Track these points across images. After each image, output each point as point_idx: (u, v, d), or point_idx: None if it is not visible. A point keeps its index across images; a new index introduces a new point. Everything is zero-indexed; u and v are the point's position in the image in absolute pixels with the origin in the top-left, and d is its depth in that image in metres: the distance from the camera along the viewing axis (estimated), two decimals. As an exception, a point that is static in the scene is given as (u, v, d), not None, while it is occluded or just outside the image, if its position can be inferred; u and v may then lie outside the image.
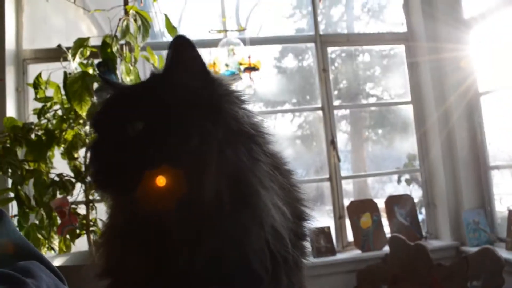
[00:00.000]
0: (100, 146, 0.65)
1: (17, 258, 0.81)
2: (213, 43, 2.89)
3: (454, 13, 3.14)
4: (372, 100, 5.98)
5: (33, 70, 2.71)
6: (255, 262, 0.59)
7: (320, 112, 3.16)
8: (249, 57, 2.68)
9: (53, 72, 2.15)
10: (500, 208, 3.01)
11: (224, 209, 0.58)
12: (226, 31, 2.86)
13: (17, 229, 0.90)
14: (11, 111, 2.57)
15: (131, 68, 2.01)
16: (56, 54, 2.36)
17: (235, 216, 0.59)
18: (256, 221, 0.59)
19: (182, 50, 0.66)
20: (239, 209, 0.59)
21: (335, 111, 3.21)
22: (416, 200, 3.18)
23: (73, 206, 2.00)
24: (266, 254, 0.59)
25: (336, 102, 3.28)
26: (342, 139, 6.16)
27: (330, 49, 3.26)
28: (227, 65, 2.65)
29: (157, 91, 0.65)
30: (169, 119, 0.62)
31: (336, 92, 4.21)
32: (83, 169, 2.00)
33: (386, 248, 2.85)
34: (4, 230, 0.84)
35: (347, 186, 5.14)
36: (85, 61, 2.02)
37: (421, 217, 3.18)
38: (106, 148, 0.64)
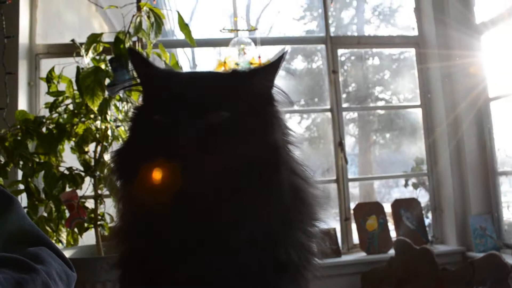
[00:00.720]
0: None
1: (27, 244, 0.83)
2: (224, 42, 2.90)
3: (466, 19, 3.13)
4: (380, 104, 5.97)
5: (45, 65, 2.74)
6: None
7: (328, 114, 3.16)
8: (259, 57, 2.69)
9: (65, 67, 2.17)
10: (508, 214, 3.00)
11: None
12: (237, 30, 2.87)
13: (27, 216, 0.91)
14: (23, 104, 2.60)
15: (143, 64, 2.02)
16: (68, 50, 2.39)
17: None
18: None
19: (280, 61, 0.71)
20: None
21: (344, 113, 3.21)
22: (423, 204, 3.17)
23: (81, 200, 2.02)
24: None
25: (345, 105, 3.28)
26: (349, 142, 6.16)
27: (340, 52, 3.26)
28: (237, 64, 2.67)
29: (245, 87, 0.68)
30: (253, 114, 0.66)
31: (344, 95, 4.21)
32: (92, 163, 2.02)
33: (392, 251, 2.85)
34: (15, 216, 0.85)
35: (353, 190, 5.13)
36: (97, 57, 2.04)
37: (427, 221, 3.17)
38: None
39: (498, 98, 3.02)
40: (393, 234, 3.02)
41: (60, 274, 0.81)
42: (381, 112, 6.03)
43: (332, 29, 3.22)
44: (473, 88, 3.05)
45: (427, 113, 3.25)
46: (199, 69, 5.78)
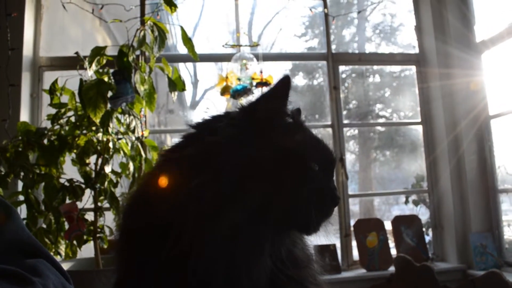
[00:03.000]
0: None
1: (24, 256, 0.82)
2: (226, 57, 2.93)
3: (466, 37, 3.17)
4: (381, 121, 5.99)
5: (48, 77, 2.76)
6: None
7: (329, 130, 3.17)
8: (261, 72, 2.71)
9: (68, 80, 2.18)
10: (508, 232, 2.98)
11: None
12: (239, 46, 2.89)
13: (26, 227, 0.91)
14: (25, 116, 2.61)
15: (146, 78, 2.04)
16: (71, 62, 2.41)
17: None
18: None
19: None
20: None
21: (344, 130, 3.21)
22: (423, 221, 3.16)
23: (81, 212, 2.01)
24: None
25: (346, 122, 3.29)
26: (350, 159, 6.17)
27: (341, 69, 3.29)
28: (239, 79, 2.68)
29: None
30: None
31: (345, 112, 4.23)
32: (93, 175, 2.01)
33: (392, 268, 2.83)
34: (13, 227, 0.85)
35: (354, 207, 5.12)
36: (100, 70, 2.06)
37: (428, 238, 3.16)
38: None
39: (499, 116, 3.03)
40: (393, 251, 3.00)
41: (58, 286, 0.81)
42: (382, 129, 6.05)
43: (333, 47, 3.25)
44: (473, 106, 3.07)
45: (428, 130, 3.26)
46: (201, 83, 5.80)
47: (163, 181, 0.65)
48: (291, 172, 0.67)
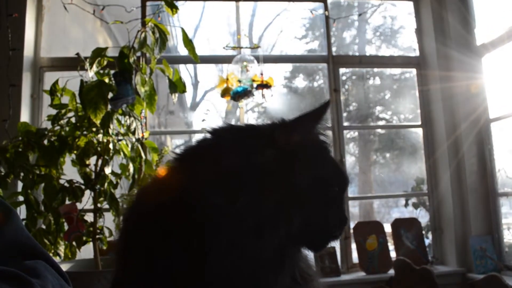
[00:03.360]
0: None
1: (23, 257, 0.82)
2: (227, 59, 2.93)
3: (466, 41, 3.17)
4: (381, 123, 5.99)
5: (49, 78, 2.76)
6: None
7: (329, 132, 3.17)
8: (261, 74, 2.71)
9: (69, 81, 2.18)
10: (508, 236, 2.98)
11: None
12: (240, 48, 2.90)
13: (25, 227, 0.91)
14: (25, 116, 2.61)
15: (147, 79, 2.04)
16: (72, 63, 2.41)
17: None
18: None
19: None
20: None
21: (344, 133, 3.21)
22: (423, 224, 3.16)
23: (81, 213, 2.01)
24: None
25: (346, 124, 3.29)
26: (349, 161, 6.16)
27: (341, 71, 3.29)
28: (240, 81, 2.68)
29: None
30: None
31: (345, 114, 4.23)
32: (93, 176, 2.01)
33: (391, 271, 2.82)
34: (12, 228, 0.84)
35: (353, 209, 5.12)
36: (101, 71, 2.06)
37: (427, 241, 3.15)
38: None
39: (499, 119, 3.03)
40: (393, 254, 3.00)
41: (56, 288, 0.80)
42: (382, 131, 6.05)
43: (333, 49, 3.25)
44: (473, 109, 3.07)
45: (428, 133, 3.26)
46: (201, 85, 5.80)
47: (184, 191, 0.63)
48: (322, 197, 0.69)
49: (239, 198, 0.60)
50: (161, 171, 0.75)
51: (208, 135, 0.71)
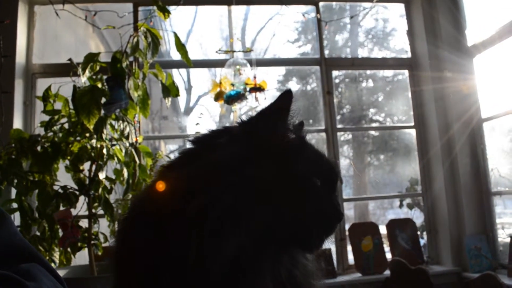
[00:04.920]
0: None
1: (18, 261, 0.81)
2: (220, 63, 2.93)
3: (458, 41, 3.19)
4: (374, 125, 6.01)
5: (42, 84, 2.75)
6: None
7: (323, 134, 3.18)
8: (255, 77, 2.72)
9: (61, 87, 2.18)
10: (503, 234, 3.00)
11: None
12: (233, 51, 2.90)
13: (19, 231, 0.90)
14: (18, 123, 2.60)
15: (140, 84, 2.04)
16: (64, 69, 2.40)
17: None
18: None
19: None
20: None
21: (338, 135, 3.22)
22: (418, 224, 3.17)
23: (75, 219, 2.00)
24: None
25: (339, 126, 3.29)
26: (344, 164, 6.19)
27: (334, 74, 3.30)
28: (233, 85, 2.69)
29: None
30: None
31: (339, 117, 4.24)
32: (87, 182, 2.01)
33: (387, 272, 2.83)
34: (5, 232, 0.84)
35: (348, 211, 5.13)
36: (94, 76, 2.05)
37: (422, 241, 3.16)
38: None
39: (491, 118, 3.05)
40: (388, 255, 3.00)
41: (52, 291, 0.80)
42: (375, 133, 6.08)
43: (326, 52, 3.26)
44: (466, 109, 3.09)
45: (421, 133, 3.28)
46: (195, 90, 5.81)
47: (159, 202, 0.63)
48: (294, 190, 0.65)
49: (199, 199, 0.59)
50: (152, 180, 0.74)
51: (190, 144, 0.71)
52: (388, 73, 5.99)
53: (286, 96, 0.68)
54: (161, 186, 0.66)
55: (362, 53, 7.05)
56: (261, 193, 0.61)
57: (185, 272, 0.57)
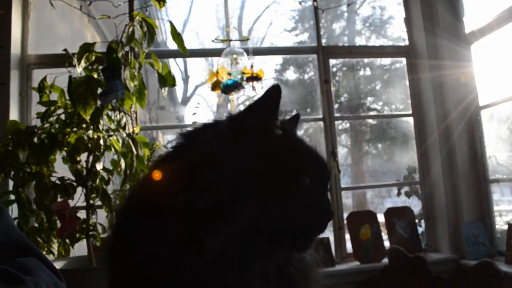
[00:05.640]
0: None
1: (15, 255, 0.81)
2: (216, 52, 2.92)
3: (455, 28, 3.18)
4: (372, 114, 6.01)
5: (37, 75, 2.73)
6: None
7: (321, 123, 3.17)
8: (251, 66, 2.70)
9: (57, 78, 2.16)
10: (500, 222, 3.01)
11: None
12: (229, 40, 2.88)
13: (16, 225, 0.90)
14: (14, 115, 2.59)
15: (136, 74, 2.02)
16: (60, 60, 2.38)
17: None
18: None
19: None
20: None
21: (336, 124, 3.21)
22: (416, 213, 3.18)
23: (73, 210, 2.00)
24: None
25: (337, 115, 3.29)
26: (342, 153, 6.19)
27: (331, 62, 3.28)
28: (230, 74, 2.67)
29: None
30: None
31: (337, 106, 4.23)
32: (84, 173, 2.00)
33: (385, 260, 2.84)
34: (2, 226, 0.84)
35: (346, 200, 5.14)
36: (90, 67, 2.04)
37: (420, 229, 3.18)
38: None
39: (489, 106, 3.05)
40: (386, 243, 3.02)
41: (49, 285, 0.80)
42: (373, 122, 6.08)
43: (323, 40, 3.24)
44: (463, 97, 3.09)
45: (419, 121, 3.28)
46: (192, 80, 5.79)
47: (150, 195, 0.63)
48: (281, 187, 0.64)
49: (185, 194, 0.58)
50: (144, 175, 0.75)
51: (180, 138, 0.71)
52: (386, 61, 5.98)
53: (274, 91, 0.66)
54: (152, 180, 0.66)
55: (360, 41, 7.03)
56: (247, 189, 0.60)
57: (176, 263, 0.57)
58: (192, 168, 0.62)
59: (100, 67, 1.99)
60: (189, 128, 0.72)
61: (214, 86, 2.71)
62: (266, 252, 0.62)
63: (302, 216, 0.65)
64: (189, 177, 0.61)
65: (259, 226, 0.60)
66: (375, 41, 6.91)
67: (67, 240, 2.03)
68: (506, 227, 2.78)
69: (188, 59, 5.33)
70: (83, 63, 1.94)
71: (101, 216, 2.24)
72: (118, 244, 0.66)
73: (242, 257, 0.59)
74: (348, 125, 6.28)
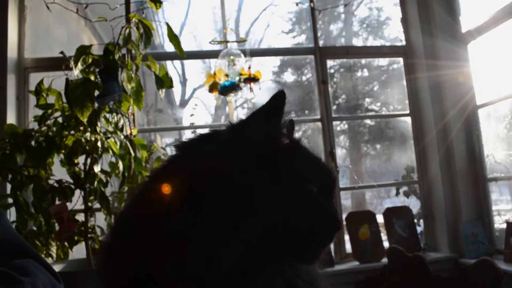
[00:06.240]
0: None
1: (12, 256, 0.81)
2: (213, 54, 2.92)
3: (452, 28, 3.19)
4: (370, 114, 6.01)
5: (34, 78, 2.73)
6: None
7: (319, 124, 3.18)
8: (249, 67, 2.71)
9: (54, 81, 2.16)
10: (499, 220, 3.01)
11: None
12: (226, 42, 2.89)
13: (13, 227, 0.90)
14: (11, 118, 2.59)
15: (133, 76, 2.03)
16: (57, 63, 2.38)
17: None
18: None
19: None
20: None
21: (334, 125, 3.21)
22: (414, 212, 3.18)
23: (71, 213, 2.00)
24: None
25: (335, 115, 3.29)
26: (340, 154, 6.19)
27: (329, 64, 3.28)
28: (227, 75, 2.68)
29: None
30: None
31: (335, 107, 4.23)
32: (82, 175, 2.00)
33: (385, 260, 2.84)
34: (0, 228, 0.84)
35: (345, 201, 5.14)
36: (86, 69, 2.04)
37: (419, 229, 3.18)
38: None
39: (486, 105, 3.05)
40: (385, 243, 3.01)
41: (47, 286, 0.80)
42: (371, 123, 6.08)
43: (321, 42, 3.24)
44: (461, 96, 3.09)
45: (417, 121, 3.28)
46: (189, 83, 5.79)
47: (144, 216, 0.60)
48: (288, 198, 0.61)
49: (181, 214, 0.56)
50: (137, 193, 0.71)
51: (175, 150, 0.68)
52: (383, 62, 5.99)
53: (278, 97, 0.64)
54: (145, 199, 0.63)
55: (357, 42, 7.05)
56: (253, 202, 0.58)
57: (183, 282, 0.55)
58: (194, 182, 0.59)
59: (97, 70, 1.99)
60: (185, 139, 0.69)
61: (212, 88, 2.71)
62: (274, 266, 0.59)
63: (310, 226, 0.62)
64: (191, 192, 0.58)
65: (267, 239, 0.58)
66: (372, 42, 6.93)
67: (66, 243, 2.03)
68: (504, 225, 2.78)
69: (186, 62, 5.35)
70: (80, 66, 1.95)
71: (100, 219, 2.24)
72: (113, 268, 0.62)
73: (250, 272, 0.57)
74: (346, 126, 6.29)
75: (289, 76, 6.74)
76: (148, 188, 0.65)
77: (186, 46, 2.14)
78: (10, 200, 2.02)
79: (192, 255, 0.55)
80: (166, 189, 0.60)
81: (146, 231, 0.57)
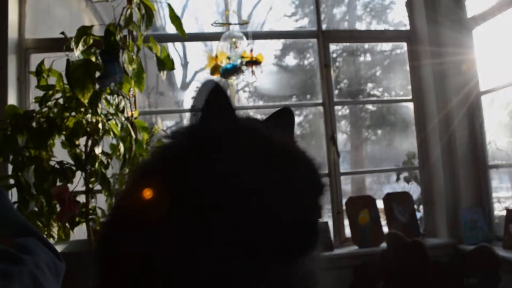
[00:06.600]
0: None
1: (14, 235, 0.81)
2: (215, 37, 2.89)
3: (456, 13, 3.15)
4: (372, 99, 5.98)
5: (35, 59, 2.71)
6: None
7: (320, 108, 3.16)
8: (251, 50, 2.69)
9: (55, 62, 2.15)
10: (498, 207, 3.02)
11: None
12: (229, 24, 2.85)
13: (14, 206, 0.90)
14: (12, 100, 2.58)
15: (134, 57, 2.01)
16: (58, 44, 2.36)
17: None
18: None
19: None
20: None
21: (335, 110, 3.19)
22: (414, 198, 3.18)
23: (73, 194, 2.01)
24: None
25: (337, 100, 3.27)
26: (341, 139, 6.19)
27: (331, 48, 3.25)
28: (229, 58, 2.66)
29: None
30: None
31: (337, 92, 4.21)
32: (83, 157, 2.00)
33: (384, 245, 2.86)
34: (1, 207, 0.84)
35: (345, 186, 5.15)
36: (87, 50, 2.03)
37: (419, 214, 3.19)
38: None
39: (489, 91, 3.04)
40: (385, 228, 3.03)
41: (49, 265, 0.80)
42: (373, 108, 6.06)
43: (324, 26, 3.21)
44: (464, 82, 3.07)
45: (419, 107, 3.26)
46: (191, 65, 5.76)
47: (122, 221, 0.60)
48: (273, 196, 0.55)
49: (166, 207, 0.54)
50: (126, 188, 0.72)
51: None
52: (386, 47, 5.94)
53: (214, 93, 0.58)
54: (134, 194, 0.60)
55: (360, 26, 6.98)
56: (230, 197, 0.54)
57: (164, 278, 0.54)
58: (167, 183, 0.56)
59: (98, 51, 1.98)
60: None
61: (213, 71, 2.70)
62: (261, 267, 0.55)
63: (286, 227, 0.56)
64: (167, 191, 0.55)
65: (248, 237, 0.54)
66: (376, 27, 6.87)
67: (67, 224, 2.04)
68: (504, 212, 2.79)
69: (187, 45, 5.30)
70: (80, 47, 1.93)
71: (101, 200, 2.24)
72: (107, 257, 0.61)
73: (237, 276, 0.54)
74: (347, 111, 6.27)
75: (291, 60, 6.69)
76: (136, 184, 0.63)
77: (188, 29, 2.11)
78: (12, 181, 2.03)
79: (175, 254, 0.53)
80: (147, 189, 0.57)
81: (136, 222, 0.56)
